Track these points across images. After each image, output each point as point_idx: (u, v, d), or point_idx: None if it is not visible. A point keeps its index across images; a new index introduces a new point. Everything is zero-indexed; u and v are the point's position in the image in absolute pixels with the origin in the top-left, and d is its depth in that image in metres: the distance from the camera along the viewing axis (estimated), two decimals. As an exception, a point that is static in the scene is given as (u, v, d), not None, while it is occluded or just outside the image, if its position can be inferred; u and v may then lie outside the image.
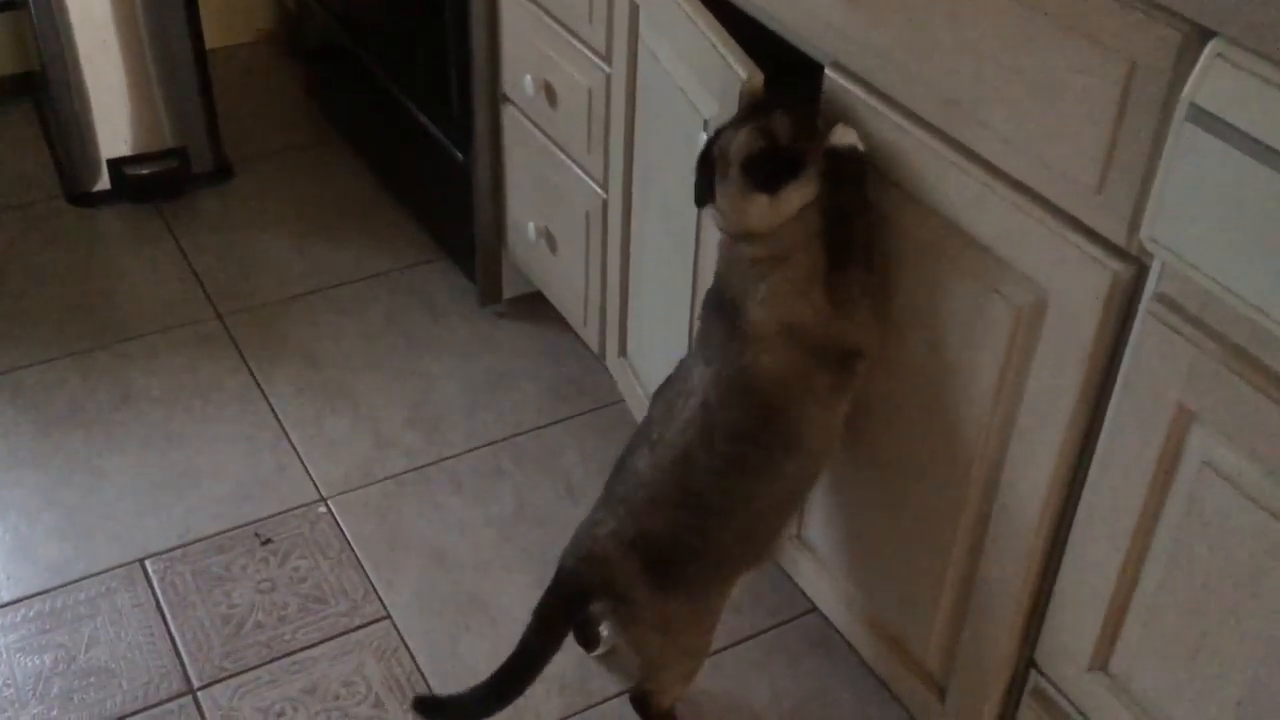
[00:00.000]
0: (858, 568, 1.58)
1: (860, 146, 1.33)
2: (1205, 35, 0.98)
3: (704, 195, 1.40)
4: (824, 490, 1.59)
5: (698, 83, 1.48)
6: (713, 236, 1.48)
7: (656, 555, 1.43)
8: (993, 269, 1.23)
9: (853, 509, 1.56)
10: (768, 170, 1.32)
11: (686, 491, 1.42)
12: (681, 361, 1.49)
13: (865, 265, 1.36)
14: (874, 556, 1.54)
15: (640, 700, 1.60)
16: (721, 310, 1.40)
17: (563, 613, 1.50)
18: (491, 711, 1.51)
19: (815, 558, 1.66)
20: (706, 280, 1.47)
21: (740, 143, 1.34)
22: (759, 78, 1.38)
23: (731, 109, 1.40)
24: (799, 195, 1.33)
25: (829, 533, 1.62)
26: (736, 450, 1.40)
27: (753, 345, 1.36)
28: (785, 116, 1.34)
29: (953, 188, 1.24)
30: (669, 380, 1.49)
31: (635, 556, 1.43)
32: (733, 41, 1.42)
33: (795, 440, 1.40)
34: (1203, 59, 0.97)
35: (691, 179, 1.41)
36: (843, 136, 1.34)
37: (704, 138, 1.42)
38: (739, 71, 1.38)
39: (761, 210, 1.34)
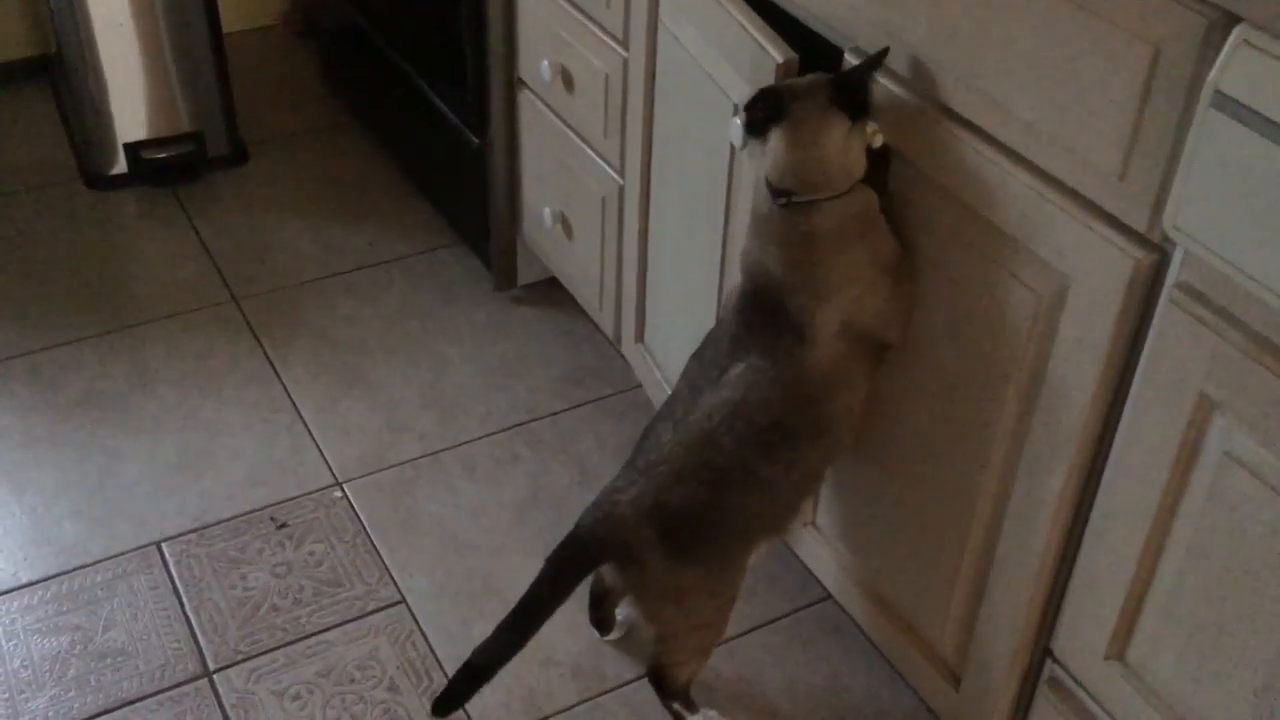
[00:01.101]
0: (874, 555, 1.58)
1: (881, 139, 1.33)
2: (1231, 20, 0.97)
3: (763, 126, 1.31)
4: (841, 476, 1.59)
5: (726, 66, 1.47)
6: (742, 219, 1.47)
7: (674, 526, 1.43)
8: (1013, 255, 1.22)
9: (870, 495, 1.55)
10: (854, 92, 1.29)
11: (708, 468, 1.42)
12: (712, 340, 1.47)
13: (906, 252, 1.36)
14: (891, 543, 1.54)
15: (656, 675, 1.60)
16: (765, 305, 1.37)
17: (574, 565, 1.49)
18: (500, 660, 1.49)
19: (830, 545, 1.66)
20: (735, 263, 1.47)
21: (818, 78, 1.31)
22: (793, 60, 1.37)
23: None
24: (872, 136, 1.31)
25: (845, 519, 1.62)
26: (764, 438, 1.40)
27: (809, 344, 1.35)
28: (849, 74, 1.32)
29: (973, 174, 1.23)
30: (698, 357, 1.48)
31: (652, 525, 1.43)
32: (763, 23, 1.41)
33: (825, 429, 1.41)
34: (1228, 45, 0.96)
35: (720, 154, 1.42)
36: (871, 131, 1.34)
37: (736, 121, 1.41)
38: (773, 54, 1.37)
39: (838, 142, 1.29)
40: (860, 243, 1.33)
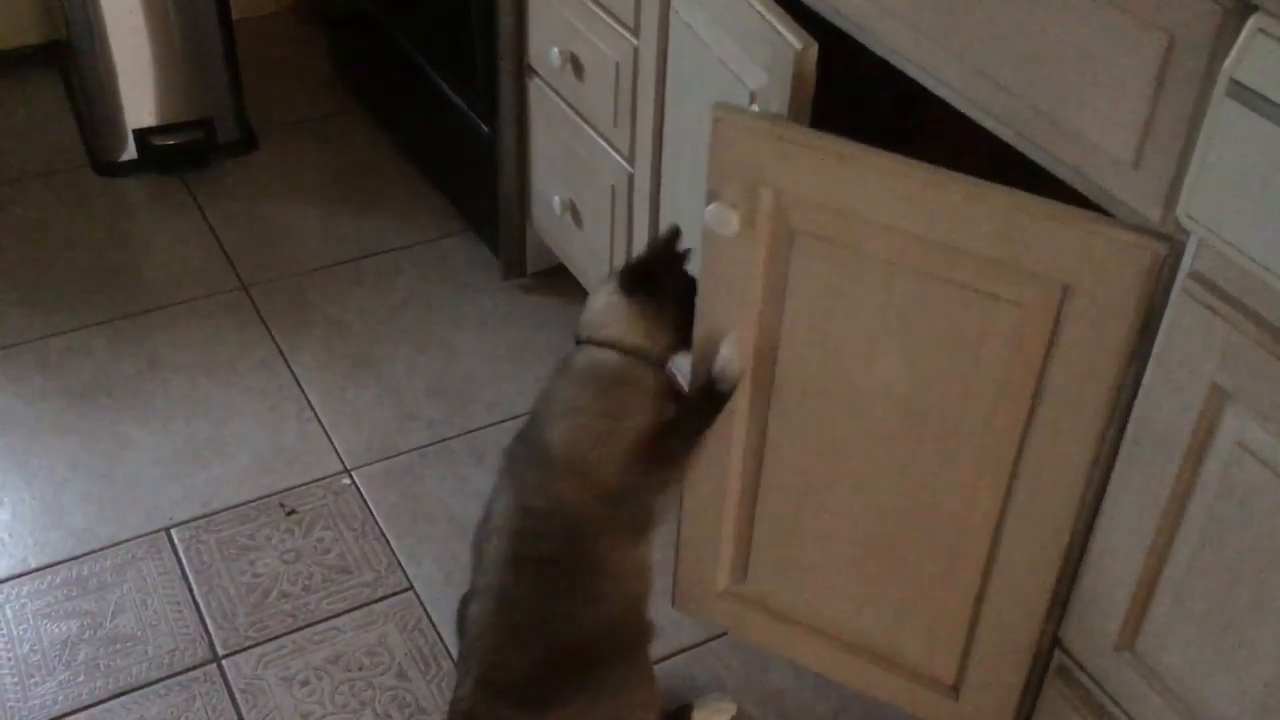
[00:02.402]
0: (824, 602, 1.51)
1: (733, 374, 1.39)
2: (1246, 9, 0.96)
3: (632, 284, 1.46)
4: (769, 536, 1.51)
5: (743, 54, 1.46)
6: (714, 251, 1.46)
7: (523, 688, 1.40)
8: (984, 274, 1.19)
9: (812, 544, 1.48)
10: (643, 277, 1.45)
11: (521, 628, 1.40)
12: (488, 502, 1.48)
13: (685, 447, 1.43)
14: (845, 585, 1.48)
15: None
16: (531, 431, 1.45)
17: None
18: None
19: (757, 606, 1.57)
20: None
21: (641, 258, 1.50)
22: (814, 48, 1.36)
23: (784, 80, 1.37)
24: (659, 319, 1.45)
25: (781, 577, 1.53)
26: (546, 576, 1.40)
27: (556, 473, 1.40)
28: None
29: (923, 202, 1.20)
30: (479, 524, 1.48)
31: (504, 701, 1.40)
32: (781, 10, 1.39)
33: (602, 567, 1.42)
34: (1244, 34, 0.96)
35: None
36: (725, 363, 1.42)
37: (755, 109, 1.41)
38: (792, 41, 1.36)
39: (625, 316, 1.45)
40: (633, 396, 1.43)
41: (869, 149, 1.22)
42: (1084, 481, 1.23)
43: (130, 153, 2.57)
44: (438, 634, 1.74)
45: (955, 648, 1.44)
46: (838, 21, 1.40)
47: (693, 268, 1.45)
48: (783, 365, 1.39)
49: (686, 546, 1.58)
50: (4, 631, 1.73)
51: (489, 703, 1.40)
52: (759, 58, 1.42)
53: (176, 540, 1.86)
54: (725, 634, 1.75)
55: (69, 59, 2.64)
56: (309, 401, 2.10)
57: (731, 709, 1.66)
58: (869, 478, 1.40)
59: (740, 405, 1.43)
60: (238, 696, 1.66)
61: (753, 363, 1.39)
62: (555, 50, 1.94)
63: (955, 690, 1.46)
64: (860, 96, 1.55)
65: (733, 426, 1.45)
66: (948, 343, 1.26)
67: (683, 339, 1.47)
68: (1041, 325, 1.19)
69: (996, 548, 1.34)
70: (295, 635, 1.74)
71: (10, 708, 1.63)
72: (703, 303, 1.41)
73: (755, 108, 1.42)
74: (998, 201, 1.16)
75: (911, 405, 1.32)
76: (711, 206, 1.29)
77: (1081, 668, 1.31)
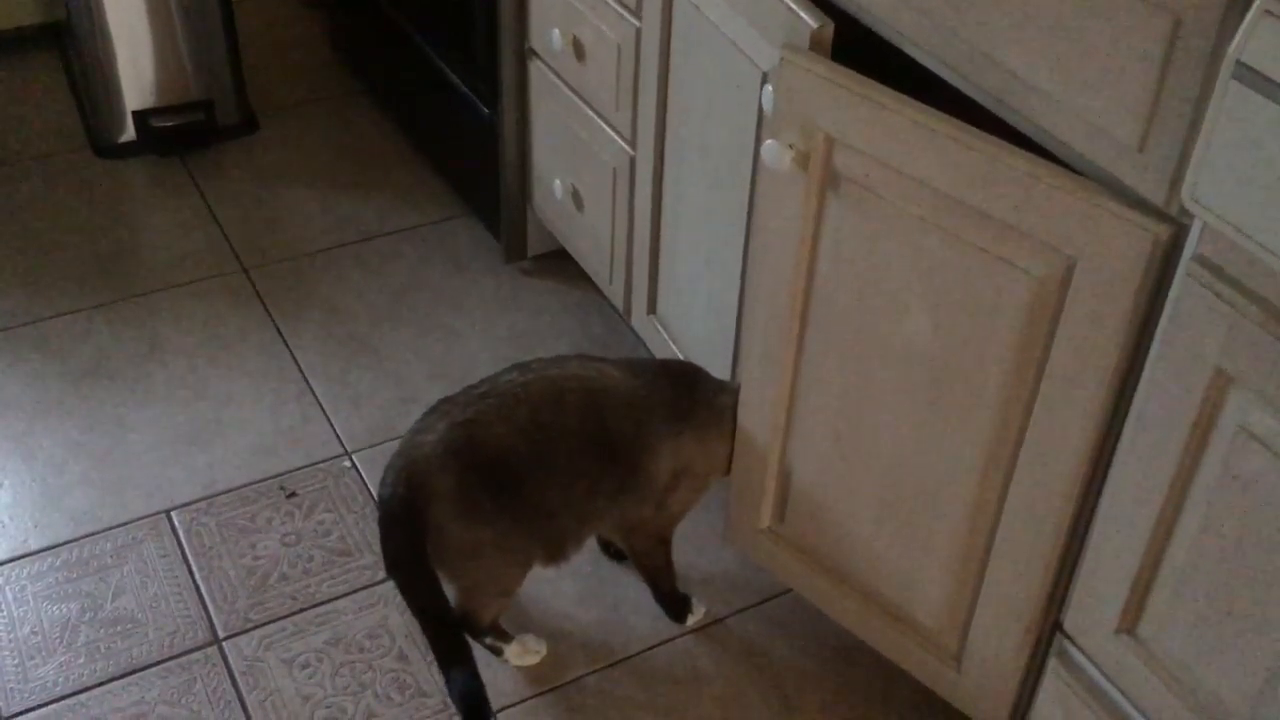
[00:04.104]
0: (855, 547, 1.54)
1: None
2: (1253, -10, 0.96)
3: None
4: (807, 478, 1.55)
5: (755, 34, 1.46)
6: (769, 188, 1.48)
7: (474, 469, 1.47)
8: (1003, 240, 1.21)
9: (843, 494, 1.52)
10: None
11: (537, 423, 1.49)
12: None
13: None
14: (870, 539, 1.51)
15: (464, 618, 1.62)
16: (681, 381, 1.64)
17: (399, 546, 1.52)
18: (466, 658, 1.52)
19: (794, 548, 1.63)
20: (761, 229, 1.50)
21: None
22: (830, 27, 1.35)
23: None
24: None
25: (814, 522, 1.58)
26: (599, 431, 1.51)
27: (650, 451, 1.59)
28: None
29: (954, 162, 1.21)
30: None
31: (453, 467, 1.47)
32: None
33: (640, 484, 1.57)
34: (1250, 16, 0.95)
35: (746, 123, 1.48)
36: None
37: (770, 89, 1.41)
38: (808, 20, 1.35)
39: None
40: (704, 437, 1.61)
41: (910, 101, 1.25)
42: (1084, 461, 1.23)
43: (130, 134, 2.56)
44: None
45: (960, 619, 1.45)
46: (843, 4, 1.39)
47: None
48: (816, 313, 1.43)
49: (738, 480, 1.64)
50: (4, 613, 1.73)
51: (442, 459, 1.46)
52: (773, 37, 1.42)
53: (177, 522, 1.86)
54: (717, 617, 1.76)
55: (68, 40, 2.63)
56: (309, 384, 2.10)
57: (542, 651, 1.69)
58: (890, 434, 1.42)
59: (783, 354, 1.47)
60: (238, 678, 1.66)
61: (799, 305, 1.44)
62: (556, 32, 1.93)
63: (959, 663, 1.47)
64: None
65: (779, 366, 1.49)
66: (968, 306, 1.27)
67: None
68: (1050, 298, 1.20)
69: (1000, 523, 1.35)
70: (296, 617, 1.74)
71: (10, 689, 1.64)
72: (756, 240, 1.45)
73: (769, 89, 1.41)
74: (1018, 165, 1.17)
75: (932, 365, 1.34)
76: (768, 142, 1.36)
77: (1082, 651, 1.31)
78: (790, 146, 1.34)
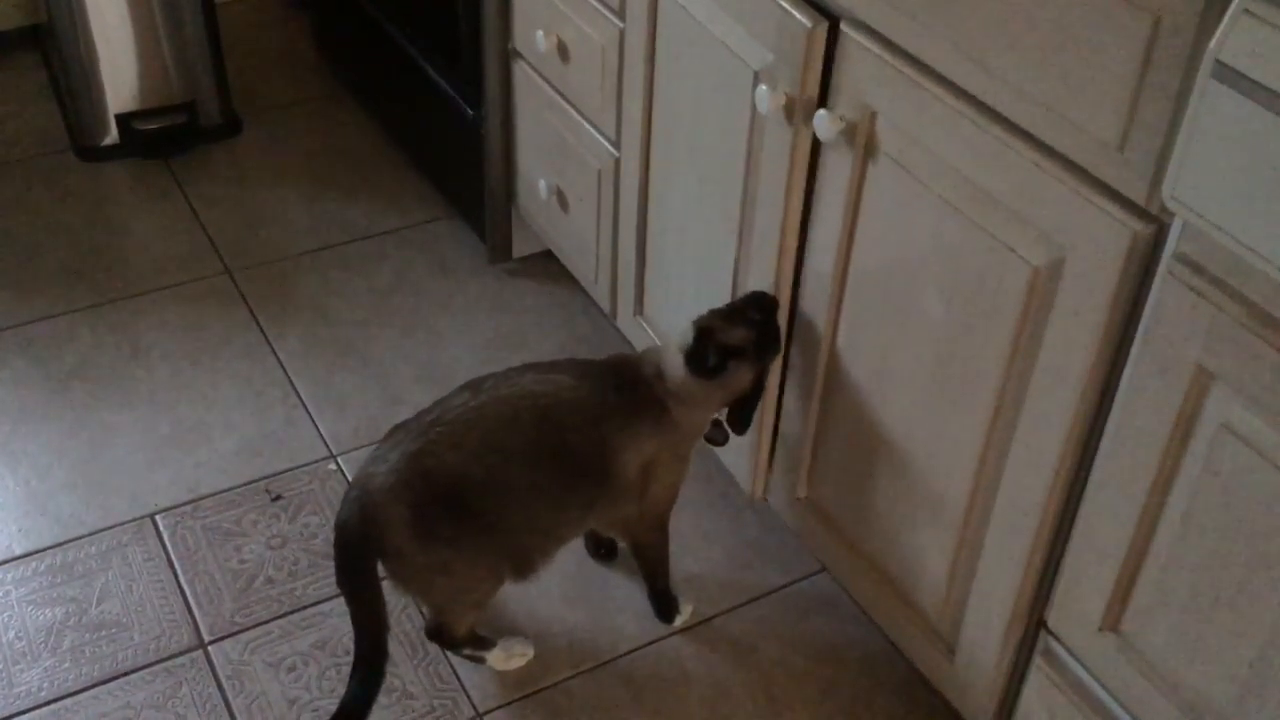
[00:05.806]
0: (869, 526, 1.58)
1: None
2: (1232, -11, 0.96)
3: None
4: (839, 444, 1.59)
5: (745, 33, 1.46)
6: (765, 184, 1.50)
7: (430, 499, 1.46)
8: (1007, 225, 1.22)
9: (866, 464, 1.55)
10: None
11: (494, 447, 1.48)
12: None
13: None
14: (887, 514, 1.54)
15: (436, 633, 1.64)
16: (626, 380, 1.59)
17: (353, 574, 1.51)
18: (370, 697, 1.52)
19: (824, 517, 1.66)
20: (754, 228, 1.53)
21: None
22: (824, 26, 1.36)
23: (793, 58, 1.39)
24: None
25: (841, 490, 1.62)
26: (559, 446, 1.49)
27: (613, 458, 1.57)
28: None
29: (969, 142, 1.23)
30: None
31: (406, 499, 1.46)
32: None
33: (613, 489, 1.55)
34: (1229, 14, 0.96)
35: (737, 122, 1.50)
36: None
37: (763, 89, 1.43)
38: (802, 20, 1.35)
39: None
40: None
41: (942, 80, 1.27)
42: (1067, 456, 1.24)
43: (113, 137, 2.55)
44: (423, 619, 1.74)
45: (955, 609, 1.46)
46: (825, 4, 1.39)
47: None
48: (853, 283, 1.47)
49: (782, 444, 1.69)
50: (-12, 618, 1.72)
51: (395, 490, 1.46)
52: (765, 37, 1.42)
53: (161, 526, 1.86)
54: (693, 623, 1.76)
55: (50, 43, 2.62)
56: (294, 387, 2.10)
57: (529, 653, 1.69)
58: (906, 414, 1.45)
59: (824, 318, 1.52)
60: (224, 682, 1.66)
61: (838, 270, 1.48)
62: (541, 34, 1.93)
63: (952, 654, 1.48)
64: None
65: (819, 332, 1.54)
66: (977, 291, 1.29)
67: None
68: (1043, 289, 1.21)
69: (993, 513, 1.35)
70: (282, 621, 1.74)
71: (-5, 694, 1.63)
72: (814, 211, 1.49)
73: (762, 88, 1.42)
74: (1025, 150, 1.18)
75: (940, 346, 1.36)
76: (820, 112, 1.39)
77: (1067, 648, 1.32)
78: (841, 118, 1.37)
